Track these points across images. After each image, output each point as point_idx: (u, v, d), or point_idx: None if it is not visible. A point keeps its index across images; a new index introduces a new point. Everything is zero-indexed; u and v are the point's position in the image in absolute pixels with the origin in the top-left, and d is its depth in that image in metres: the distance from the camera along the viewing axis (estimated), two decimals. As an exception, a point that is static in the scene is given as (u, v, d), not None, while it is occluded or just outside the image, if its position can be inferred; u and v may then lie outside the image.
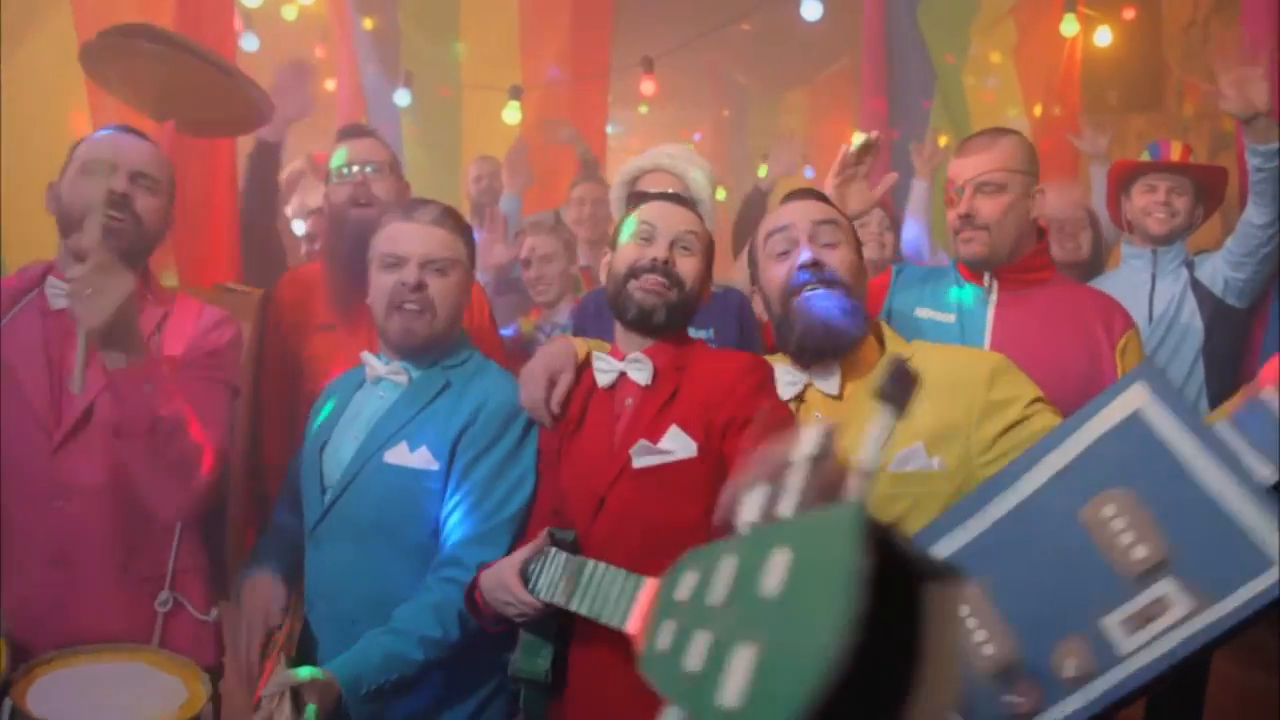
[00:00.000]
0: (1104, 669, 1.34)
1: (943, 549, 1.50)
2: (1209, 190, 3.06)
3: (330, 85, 5.70)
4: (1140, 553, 1.34)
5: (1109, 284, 2.88)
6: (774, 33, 6.90)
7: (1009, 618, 1.41)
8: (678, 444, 1.75)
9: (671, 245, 1.86)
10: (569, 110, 5.56)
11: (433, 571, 1.88)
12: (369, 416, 2.02)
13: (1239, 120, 2.59)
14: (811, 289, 1.78)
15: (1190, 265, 2.99)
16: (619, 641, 1.68)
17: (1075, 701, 1.36)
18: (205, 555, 2.15)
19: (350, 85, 5.34)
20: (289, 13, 5.68)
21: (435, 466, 1.92)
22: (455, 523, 1.90)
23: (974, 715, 1.42)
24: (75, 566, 1.95)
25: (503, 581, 1.61)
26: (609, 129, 6.39)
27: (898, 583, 0.68)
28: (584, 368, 1.92)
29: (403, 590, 1.88)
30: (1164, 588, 1.31)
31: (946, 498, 1.60)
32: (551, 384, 1.88)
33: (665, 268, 1.83)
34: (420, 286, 1.96)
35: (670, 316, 1.84)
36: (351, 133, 2.80)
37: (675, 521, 1.68)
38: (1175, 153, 3.05)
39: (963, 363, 1.75)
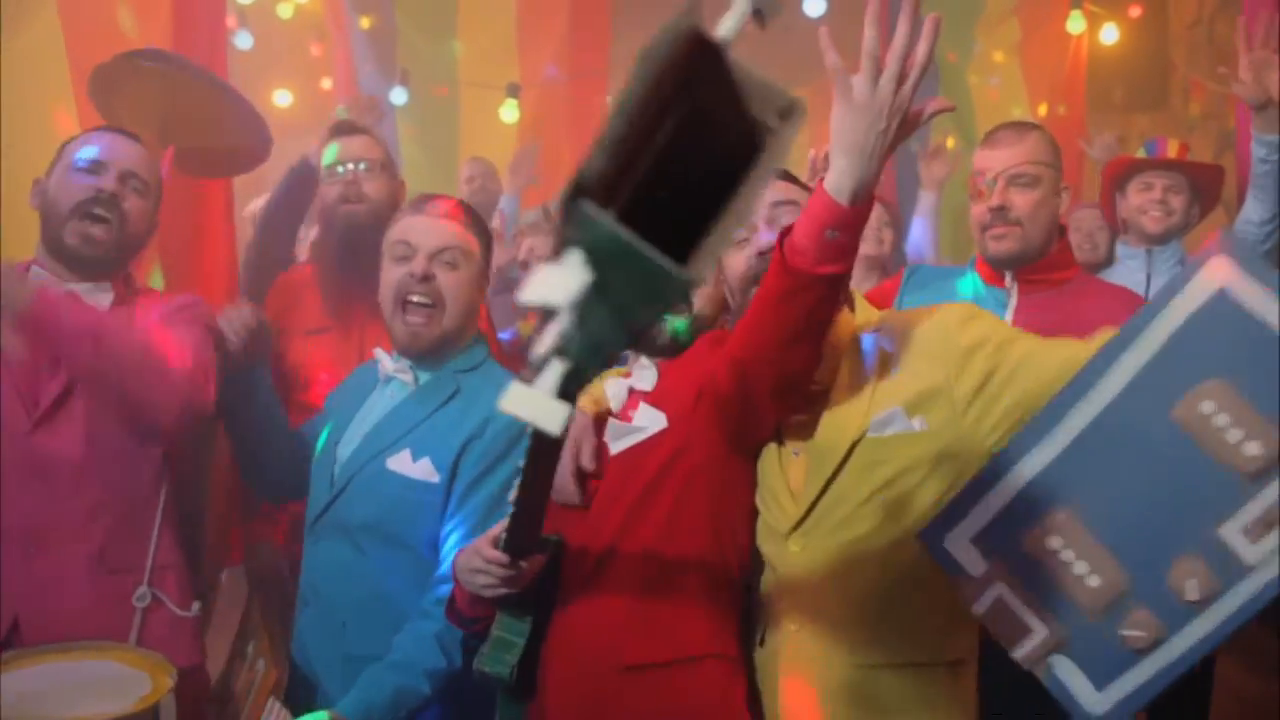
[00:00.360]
0: (1230, 584, 1.21)
1: (1021, 474, 1.35)
2: (1205, 189, 3.07)
3: (326, 84, 5.75)
4: (1252, 449, 1.19)
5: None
6: (775, 32, 6.94)
7: (1110, 543, 1.29)
8: (646, 419, 1.75)
9: None
10: (568, 109, 5.60)
11: (431, 593, 1.86)
12: (375, 416, 2.01)
13: (1249, 107, 2.55)
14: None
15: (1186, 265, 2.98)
16: (599, 650, 1.67)
17: (1204, 624, 1.23)
18: (184, 551, 2.16)
19: (347, 84, 5.38)
20: (284, 10, 5.72)
21: (436, 479, 1.91)
22: (454, 544, 1.87)
23: (1092, 653, 1.30)
24: (51, 552, 1.97)
25: (476, 548, 1.59)
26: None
27: (717, 90, 0.69)
28: (601, 425, 1.84)
29: (397, 596, 1.89)
30: None
31: (935, 459, 1.56)
32: (575, 457, 1.77)
33: None
34: (428, 278, 1.93)
35: (674, 340, 1.84)
36: (344, 130, 2.81)
37: (652, 500, 1.70)
38: (1172, 150, 3.06)
39: (931, 321, 1.67)
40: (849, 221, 1.36)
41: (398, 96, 5.47)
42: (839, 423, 1.62)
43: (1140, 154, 3.13)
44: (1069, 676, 1.33)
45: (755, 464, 1.75)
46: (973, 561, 1.40)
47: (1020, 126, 2.23)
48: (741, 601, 1.75)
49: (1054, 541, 1.32)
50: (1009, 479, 1.37)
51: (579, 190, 0.63)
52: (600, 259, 0.64)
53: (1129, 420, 1.28)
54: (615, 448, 1.76)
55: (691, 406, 1.72)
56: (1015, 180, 2.12)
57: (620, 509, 1.72)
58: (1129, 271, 3.04)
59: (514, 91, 5.42)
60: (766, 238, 1.71)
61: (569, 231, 0.64)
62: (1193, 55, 5.33)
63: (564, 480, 1.76)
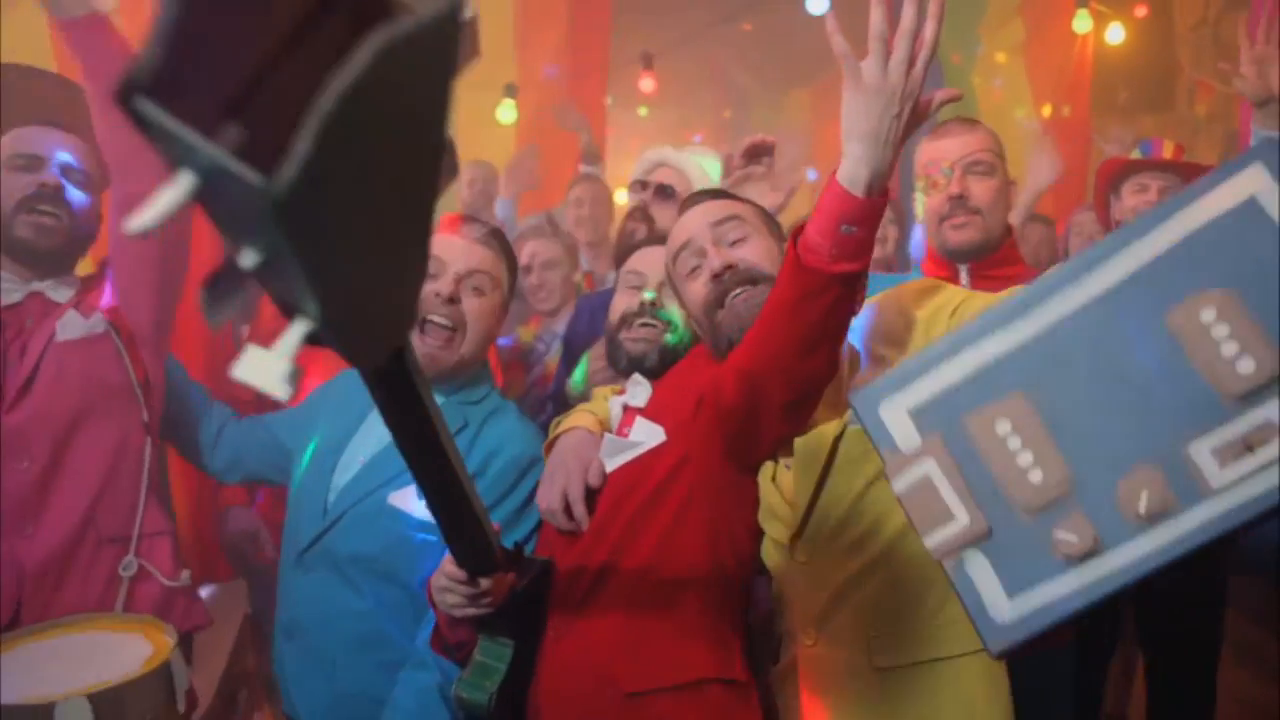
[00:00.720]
0: (1186, 506, 1.13)
1: (984, 352, 1.25)
2: None
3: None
4: (1245, 367, 1.11)
5: None
6: (776, 32, 7.03)
7: (1064, 440, 1.19)
8: (643, 433, 1.74)
9: (661, 287, 1.91)
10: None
11: (422, 636, 1.81)
12: (375, 442, 1.95)
13: (1251, 104, 2.50)
14: (734, 296, 1.66)
15: None
16: (596, 676, 1.63)
17: (1144, 545, 1.14)
18: (170, 519, 2.18)
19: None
20: (279, 10, 5.79)
21: None
22: None
23: (1012, 555, 1.21)
24: (46, 530, 2.00)
25: (441, 566, 1.54)
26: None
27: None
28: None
29: (392, 635, 1.86)
30: (1272, 411, 1.10)
31: None
32: (578, 479, 1.74)
33: (653, 309, 1.89)
34: (453, 300, 1.88)
35: (664, 360, 1.87)
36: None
37: (650, 515, 1.66)
38: (1167, 151, 3.09)
39: (889, 303, 1.64)
40: (865, 214, 1.32)
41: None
42: (817, 424, 1.58)
43: (1135, 155, 3.15)
44: (980, 576, 1.23)
45: (756, 478, 1.70)
46: (906, 434, 1.28)
47: (968, 119, 2.24)
48: (745, 622, 1.71)
49: (1003, 426, 1.22)
50: (969, 354, 1.26)
51: (136, 86, 0.54)
52: (197, 172, 0.56)
53: (1119, 315, 1.20)
54: (611, 464, 1.74)
55: (690, 418, 1.69)
56: (973, 168, 2.12)
57: (617, 526, 1.68)
58: (1125, 273, 3.07)
59: (511, 92, 5.42)
60: (718, 261, 1.67)
61: (156, 143, 0.56)
62: (1197, 56, 5.40)
63: (552, 503, 1.73)
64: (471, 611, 1.54)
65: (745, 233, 1.71)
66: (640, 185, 2.74)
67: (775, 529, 1.64)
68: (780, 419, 1.54)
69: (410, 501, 1.86)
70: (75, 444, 2.06)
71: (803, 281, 1.36)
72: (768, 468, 1.67)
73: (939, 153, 2.16)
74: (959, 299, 1.56)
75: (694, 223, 1.74)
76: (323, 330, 0.65)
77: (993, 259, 2.14)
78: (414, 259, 0.73)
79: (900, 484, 1.27)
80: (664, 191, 2.65)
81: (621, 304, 1.94)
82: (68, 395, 2.05)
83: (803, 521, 1.58)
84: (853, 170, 1.31)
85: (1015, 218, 3.53)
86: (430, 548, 1.81)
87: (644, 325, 1.90)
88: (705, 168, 2.73)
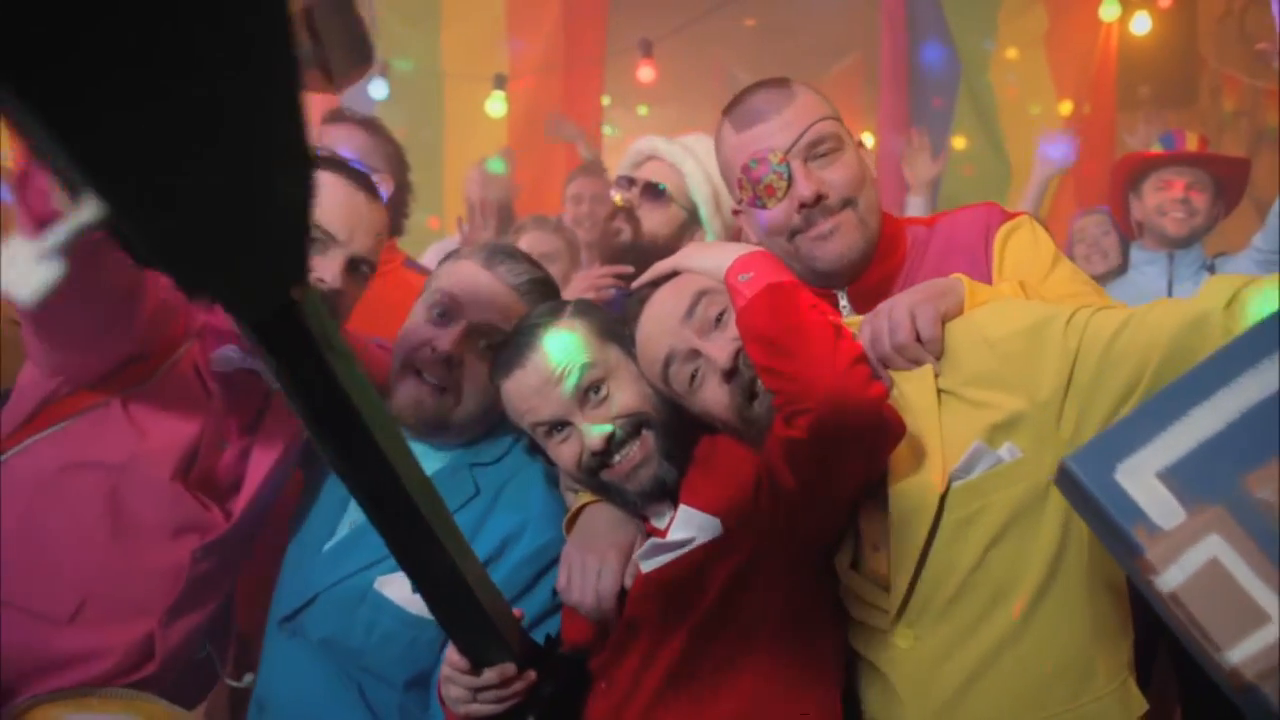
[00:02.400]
0: None
1: (1239, 396, 1.01)
2: (1229, 185, 3.04)
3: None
4: None
5: (1119, 292, 2.79)
6: (778, 28, 7.13)
7: None
8: (692, 527, 1.51)
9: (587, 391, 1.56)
10: (561, 101, 5.68)
11: None
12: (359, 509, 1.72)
13: None
14: (759, 383, 1.44)
15: (1211, 269, 2.96)
16: None
17: None
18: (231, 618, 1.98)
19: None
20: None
21: None
22: None
23: None
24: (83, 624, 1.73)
25: (445, 659, 1.42)
26: (606, 130, 6.55)
27: None
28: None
29: None
30: None
31: (1046, 485, 1.35)
32: (620, 573, 1.55)
33: (617, 442, 1.54)
34: (452, 363, 1.65)
35: (682, 464, 1.57)
36: (330, 119, 2.88)
37: (721, 625, 1.50)
38: (1191, 143, 3.04)
39: (962, 339, 1.45)
40: (746, 264, 1.47)
41: (378, 90, 5.59)
42: (913, 488, 1.41)
43: (1155, 148, 3.09)
44: None
45: (829, 560, 1.56)
46: (1161, 505, 1.00)
47: (773, 85, 1.69)
48: None
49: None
50: (1219, 400, 1.01)
51: None
52: None
53: None
54: (648, 565, 1.54)
55: (751, 504, 1.50)
56: (815, 150, 1.62)
57: (674, 642, 1.50)
58: (1148, 279, 3.02)
59: (501, 83, 5.40)
60: (724, 358, 1.47)
61: None
62: (1222, 49, 5.48)
63: (585, 598, 1.54)
64: (476, 709, 1.39)
65: (722, 304, 1.51)
66: (627, 181, 2.60)
67: (865, 612, 1.51)
68: (841, 459, 1.39)
69: (403, 592, 1.60)
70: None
71: (750, 317, 1.42)
72: (845, 554, 1.53)
73: (758, 143, 1.63)
74: (1061, 319, 1.38)
75: (665, 328, 1.52)
76: (115, 220, 0.50)
77: (874, 270, 1.69)
78: (285, 163, 0.56)
79: (1174, 576, 0.99)
80: (653, 190, 2.52)
81: (568, 454, 1.56)
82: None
83: (905, 601, 1.42)
84: (715, 266, 1.50)
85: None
86: (424, 646, 1.62)
87: (620, 459, 1.55)
88: (701, 156, 2.55)
